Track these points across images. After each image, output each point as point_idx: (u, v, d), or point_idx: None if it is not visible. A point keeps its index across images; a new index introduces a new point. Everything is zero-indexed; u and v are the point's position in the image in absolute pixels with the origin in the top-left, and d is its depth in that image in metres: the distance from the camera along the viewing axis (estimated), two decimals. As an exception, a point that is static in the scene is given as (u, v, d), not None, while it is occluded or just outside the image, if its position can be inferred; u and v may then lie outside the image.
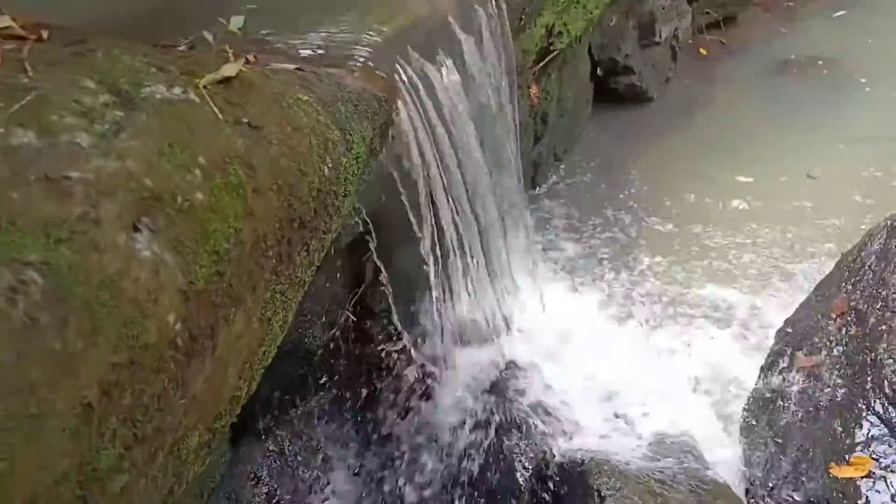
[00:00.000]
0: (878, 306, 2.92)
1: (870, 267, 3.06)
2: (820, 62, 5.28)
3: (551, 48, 3.88)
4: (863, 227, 3.39)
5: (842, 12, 5.96)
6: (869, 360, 2.77)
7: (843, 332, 2.99)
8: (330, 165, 1.60)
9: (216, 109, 1.24)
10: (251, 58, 1.74)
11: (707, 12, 5.66)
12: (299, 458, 2.86)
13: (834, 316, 3.05)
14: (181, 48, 1.84)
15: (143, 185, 1.01)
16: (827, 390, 2.87)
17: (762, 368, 3.14)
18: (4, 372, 0.78)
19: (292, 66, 1.86)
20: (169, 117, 1.13)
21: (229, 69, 1.39)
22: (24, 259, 0.83)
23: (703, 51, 5.67)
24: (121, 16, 2.23)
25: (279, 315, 1.45)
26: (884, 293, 2.93)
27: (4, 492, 0.79)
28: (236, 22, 1.55)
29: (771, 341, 3.14)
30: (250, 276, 1.27)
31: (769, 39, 5.74)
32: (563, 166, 4.52)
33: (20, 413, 0.79)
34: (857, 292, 3.02)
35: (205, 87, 1.27)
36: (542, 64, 3.90)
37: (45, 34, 1.33)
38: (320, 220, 1.58)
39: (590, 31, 4.43)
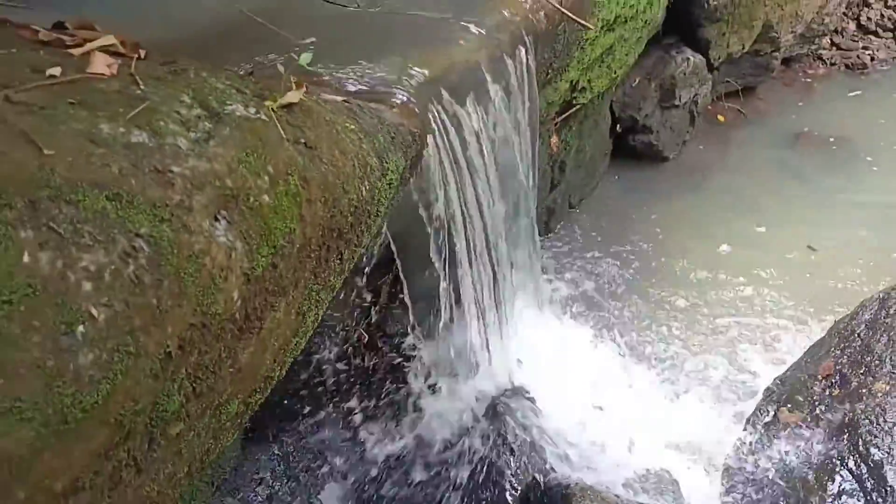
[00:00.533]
0: (861, 371, 3.11)
1: (859, 335, 3.24)
2: (831, 138, 5.50)
3: (574, 102, 4.12)
4: (855, 297, 3.58)
5: (857, 92, 6.18)
6: (847, 419, 2.94)
7: (827, 392, 3.17)
8: (367, 187, 1.83)
9: (281, 129, 1.47)
10: (306, 86, 1.98)
11: (727, 81, 5.90)
12: (302, 464, 3.04)
13: (820, 377, 3.23)
14: (242, 72, 2.09)
15: (224, 184, 1.25)
16: (805, 445, 3.05)
17: (748, 420, 3.31)
18: (116, 316, 1.00)
19: (340, 98, 2.10)
20: (247, 131, 1.37)
21: (293, 96, 1.63)
22: (136, 231, 1.06)
23: (720, 117, 5.90)
24: (189, 41, 2.49)
25: (312, 312, 1.67)
26: (868, 360, 3.11)
27: (103, 409, 1.00)
28: (305, 58, 1.80)
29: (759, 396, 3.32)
30: (295, 273, 1.49)
31: (785, 112, 5.96)
32: (576, 214, 4.74)
33: (123, 348, 1.01)
34: (845, 357, 3.20)
35: (273, 109, 1.51)
36: (564, 116, 4.14)
37: (143, 53, 1.57)
38: (354, 233, 1.81)
39: (612, 90, 4.69)
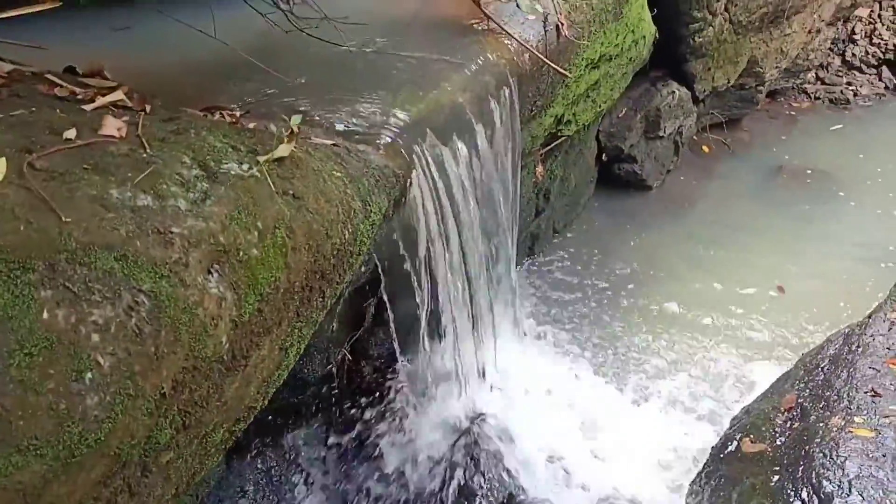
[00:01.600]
0: (820, 405, 3.25)
1: (822, 369, 3.39)
2: (809, 171, 5.67)
3: (559, 134, 4.27)
4: (822, 333, 3.75)
5: (839, 126, 6.36)
6: (803, 451, 3.09)
7: (788, 424, 3.32)
8: (350, 230, 1.99)
9: (271, 183, 1.64)
10: (296, 128, 2.13)
11: (713, 113, 6.07)
12: (283, 479, 3.17)
13: (783, 409, 3.38)
14: (237, 112, 2.25)
15: (218, 241, 1.41)
16: (764, 475, 3.19)
17: (713, 448, 3.45)
18: (119, 363, 1.16)
19: (330, 142, 2.26)
20: (240, 189, 1.53)
21: (283, 150, 1.79)
22: (139, 287, 1.22)
23: (705, 148, 6.07)
24: (189, 79, 2.65)
25: (294, 347, 1.83)
26: (828, 394, 3.26)
27: (104, 444, 1.16)
28: (296, 120, 1.96)
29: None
30: (279, 313, 1.65)
31: (768, 144, 6.14)
32: (560, 240, 4.91)
33: (124, 391, 1.17)
34: (807, 391, 3.35)
35: (265, 164, 1.67)
36: (548, 147, 4.29)
37: (148, 107, 1.74)
38: (336, 273, 1.97)
39: (598, 121, 4.86)
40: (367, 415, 3.32)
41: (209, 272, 1.37)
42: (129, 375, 1.18)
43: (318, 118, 2.53)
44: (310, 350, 2.94)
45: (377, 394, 3.37)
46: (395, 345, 2.98)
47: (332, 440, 3.30)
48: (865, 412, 2.85)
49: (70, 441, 1.10)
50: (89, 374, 1.13)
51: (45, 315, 1.11)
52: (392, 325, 2.97)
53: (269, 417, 3.11)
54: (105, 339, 1.16)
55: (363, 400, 3.34)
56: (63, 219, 1.21)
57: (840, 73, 6.79)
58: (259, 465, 3.13)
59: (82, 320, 1.15)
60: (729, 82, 5.69)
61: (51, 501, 1.09)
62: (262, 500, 3.09)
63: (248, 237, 1.48)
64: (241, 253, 1.46)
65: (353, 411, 3.33)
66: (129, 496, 1.31)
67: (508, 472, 3.01)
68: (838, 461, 2.94)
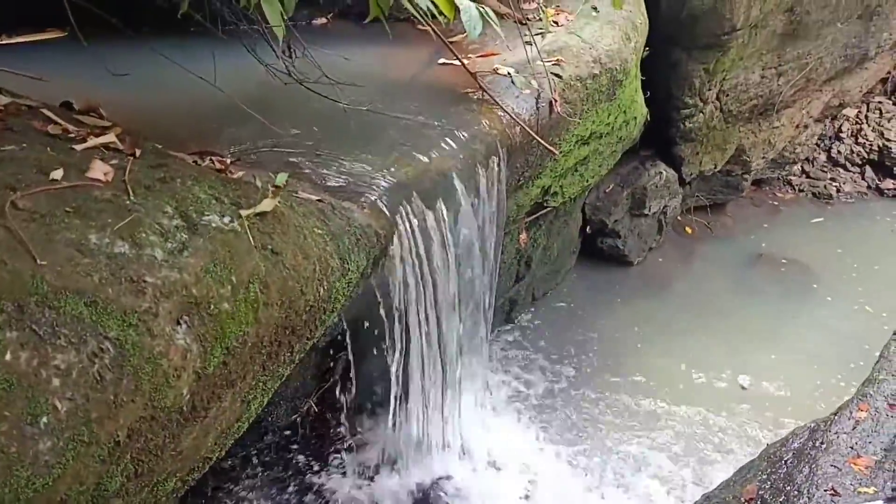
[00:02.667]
0: (780, 499, 3.25)
1: (785, 462, 3.40)
2: (788, 261, 5.74)
3: (545, 204, 4.34)
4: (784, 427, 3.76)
5: (819, 219, 6.47)
6: (760, 544, 3.08)
7: (747, 515, 3.32)
8: (325, 287, 2.02)
9: (251, 238, 1.66)
10: (282, 185, 2.17)
11: (698, 196, 6.18)
12: (234, 527, 3.13)
13: (743, 500, 3.37)
14: (228, 159, 2.28)
15: (190, 293, 1.43)
16: (719, 565, 3.17)
17: (672, 533, 3.45)
18: (76, 408, 1.17)
19: (315, 198, 2.30)
20: (218, 243, 1.56)
21: (266, 205, 1.82)
22: (105, 334, 1.24)
23: (688, 229, 6.16)
24: (184, 124, 2.69)
25: (257, 400, 1.83)
26: (788, 489, 3.26)
27: (52, 490, 1.16)
28: (281, 178, 1.99)
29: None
30: (244, 367, 1.66)
31: (750, 231, 6.23)
32: (538, 307, 4.94)
33: (78, 437, 1.18)
34: (769, 483, 3.35)
35: (247, 218, 1.70)
36: (534, 216, 4.35)
37: (138, 152, 1.77)
38: (307, 329, 1.98)
39: (584, 194, 4.93)
40: (329, 468, 3.30)
41: (178, 323, 1.39)
42: (85, 422, 1.19)
43: (307, 171, 2.57)
44: (276, 399, 2.94)
45: (340, 447, 3.36)
46: (356, 397, 2.98)
47: (290, 490, 3.26)
48: (823, 511, 2.85)
49: (17, 485, 1.10)
50: (45, 419, 1.14)
51: (8, 356, 1.12)
52: (353, 382, 2.98)
53: (228, 464, 3.09)
54: (65, 384, 1.17)
55: (326, 452, 3.32)
56: (38, 261, 1.23)
57: (825, 169, 6.94)
58: (212, 511, 3.09)
59: (44, 363, 1.16)
60: (716, 167, 5.81)
61: (-9, 544, 1.09)
62: (211, 547, 3.04)
63: (221, 290, 1.51)
64: (212, 306, 1.48)
65: (314, 463, 3.31)
66: (72, 542, 1.30)
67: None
68: (792, 557, 2.94)
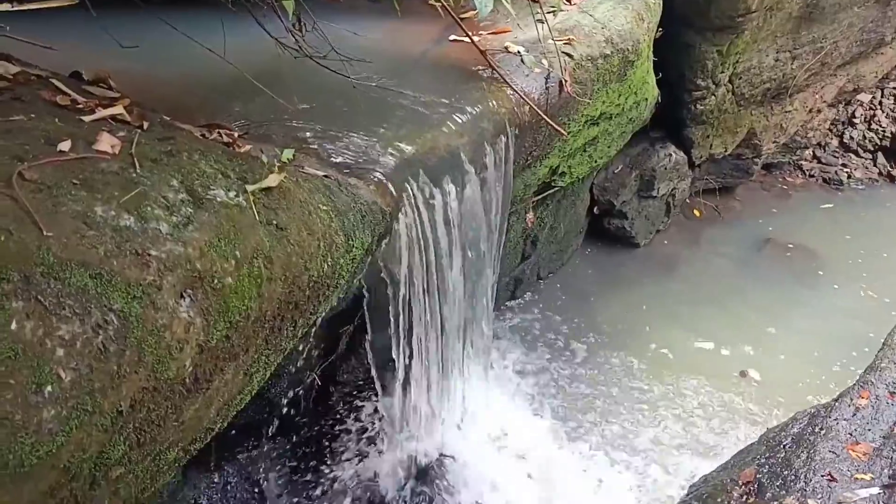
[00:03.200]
0: (777, 483, 3.28)
1: (784, 447, 3.42)
2: (795, 247, 5.74)
3: (553, 184, 4.33)
4: (784, 412, 3.77)
5: (829, 205, 6.45)
6: (754, 527, 3.11)
7: (744, 499, 3.34)
8: (329, 263, 2.03)
9: (256, 213, 1.67)
10: (287, 161, 2.18)
11: (707, 179, 6.16)
12: (239, 496, 3.17)
13: (741, 482, 3.40)
14: (236, 132, 2.29)
15: (194, 266, 1.44)
16: (714, 546, 3.20)
17: (669, 514, 3.47)
18: (80, 378, 1.19)
19: (321, 174, 2.30)
20: (223, 217, 1.57)
21: (272, 180, 1.83)
22: (110, 306, 1.26)
23: (696, 212, 6.15)
24: (194, 96, 2.69)
25: (260, 373, 1.85)
26: (785, 473, 3.29)
27: (55, 457, 1.18)
28: (287, 154, 2.00)
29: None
30: (247, 341, 1.68)
31: (759, 215, 6.21)
32: (543, 286, 4.95)
33: (81, 407, 1.20)
34: (767, 466, 3.38)
35: (253, 193, 1.71)
36: (541, 196, 4.35)
37: (145, 124, 1.78)
38: (311, 305, 2.00)
39: (593, 175, 4.92)
40: (331, 440, 3.34)
41: (182, 296, 1.41)
42: (88, 391, 1.21)
43: (314, 147, 2.58)
44: (279, 372, 2.96)
45: (342, 421, 3.39)
46: (372, 368, 3.00)
47: (292, 462, 3.30)
48: (820, 496, 2.87)
49: (21, 451, 1.13)
50: (49, 388, 1.16)
51: (14, 325, 1.14)
52: (371, 354, 3.00)
53: (232, 433, 3.12)
54: (69, 354, 1.19)
55: (328, 426, 3.36)
56: (44, 233, 1.25)
57: (836, 155, 6.90)
58: (216, 480, 3.13)
59: (49, 334, 1.18)
60: (726, 151, 5.78)
61: (-5, 508, 1.12)
62: (214, 514, 3.08)
63: (225, 265, 1.52)
64: (216, 280, 1.49)
65: (316, 436, 3.35)
66: (74, 508, 1.33)
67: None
68: (788, 542, 2.97)
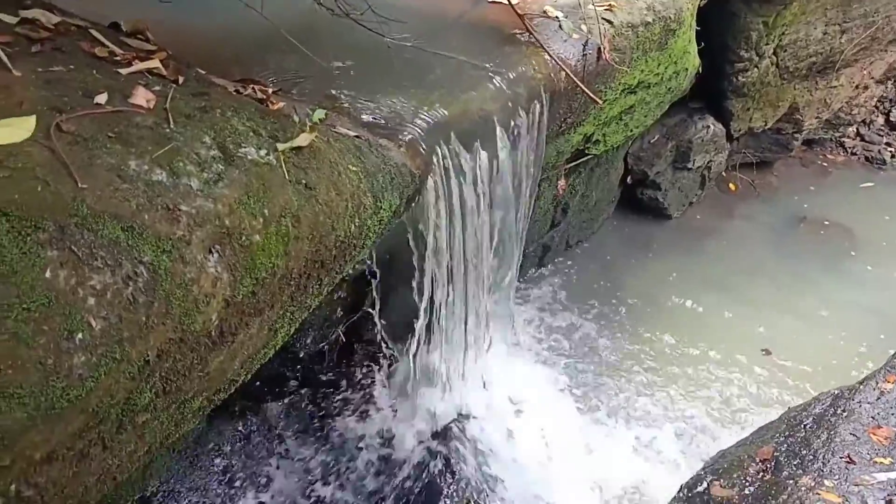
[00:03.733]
0: (795, 462, 3.28)
1: (804, 426, 3.42)
2: (831, 226, 5.64)
3: (586, 152, 4.30)
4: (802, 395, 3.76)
5: (869, 184, 6.30)
6: (768, 505, 3.12)
7: (760, 475, 3.35)
8: (357, 224, 2.05)
9: (285, 172, 1.70)
10: (320, 119, 2.19)
11: (745, 152, 6.06)
12: (261, 444, 3.26)
13: (758, 459, 3.41)
14: (270, 89, 2.31)
15: (223, 223, 1.47)
16: (727, 520, 3.23)
17: (682, 486, 3.49)
18: (109, 327, 1.24)
19: (353, 134, 2.32)
20: (253, 175, 1.60)
21: (302, 140, 1.85)
22: (140, 258, 1.30)
23: (732, 186, 6.06)
24: (229, 51, 2.71)
25: (284, 328, 1.90)
26: (804, 453, 3.29)
27: (85, 401, 1.23)
28: (318, 114, 2.01)
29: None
30: (272, 297, 1.72)
31: (795, 193, 6.10)
32: (571, 255, 4.94)
33: (110, 354, 1.25)
34: (785, 445, 3.38)
35: (283, 152, 1.73)
36: (574, 163, 4.32)
37: (181, 79, 1.80)
38: (337, 263, 2.03)
39: (627, 144, 4.87)
40: (353, 396, 3.40)
41: (210, 252, 1.44)
42: (117, 340, 1.26)
43: (346, 106, 2.58)
44: (304, 327, 3.02)
45: (365, 378, 3.45)
46: (382, 330, 3.05)
47: (313, 414, 3.37)
48: (837, 477, 2.87)
49: (52, 394, 1.18)
50: (80, 335, 1.20)
51: (48, 274, 1.18)
52: (377, 318, 3.04)
53: (257, 383, 3.19)
54: (100, 304, 1.23)
55: (351, 381, 3.42)
56: (79, 184, 1.28)
57: (881, 133, 6.74)
58: (240, 428, 3.22)
59: (82, 283, 1.22)
60: (766, 125, 5.67)
61: (26, 446, 1.17)
62: (237, 461, 3.17)
63: (253, 223, 1.55)
64: (244, 237, 1.52)
65: (339, 390, 3.41)
66: (102, 449, 1.38)
67: (477, 475, 3.07)
68: (799, 520, 2.98)
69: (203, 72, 2.07)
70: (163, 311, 1.33)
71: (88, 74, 1.60)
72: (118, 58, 1.75)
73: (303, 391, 3.30)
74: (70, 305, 1.20)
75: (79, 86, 1.52)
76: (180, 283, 1.37)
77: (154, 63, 1.76)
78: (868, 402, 3.19)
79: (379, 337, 3.35)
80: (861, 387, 3.21)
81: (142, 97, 1.56)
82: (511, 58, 3.10)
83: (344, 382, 3.37)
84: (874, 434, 3.03)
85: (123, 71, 1.70)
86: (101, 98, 1.50)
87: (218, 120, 1.65)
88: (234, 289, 1.50)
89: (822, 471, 3.19)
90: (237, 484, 3.07)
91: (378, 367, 3.39)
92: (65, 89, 1.49)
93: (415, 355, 3.09)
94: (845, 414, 3.18)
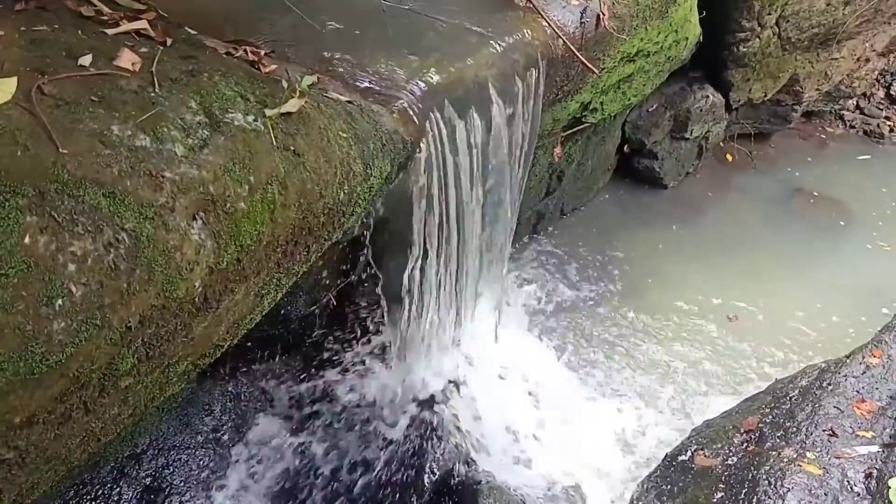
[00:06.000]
0: (779, 434, 3.31)
1: (790, 398, 3.44)
2: (827, 199, 5.63)
3: (583, 120, 4.27)
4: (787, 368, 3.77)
5: (867, 157, 6.28)
6: (751, 475, 3.17)
7: (744, 446, 3.39)
8: (346, 191, 2.04)
9: (273, 138, 1.68)
10: (312, 82, 2.17)
11: (743, 123, 6.02)
12: (250, 404, 3.28)
13: (742, 430, 3.44)
14: (262, 51, 2.28)
15: (207, 190, 1.46)
16: (710, 489, 3.27)
17: (667, 456, 3.54)
18: (90, 293, 1.23)
19: (345, 99, 2.29)
20: (239, 142, 1.58)
21: (292, 105, 1.83)
22: (122, 225, 1.29)
23: (729, 157, 6.03)
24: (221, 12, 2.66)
25: (271, 295, 1.90)
26: (788, 425, 3.32)
27: (65, 366, 1.24)
28: (307, 80, 1.99)
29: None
30: (258, 264, 1.72)
31: (792, 164, 6.07)
32: (566, 222, 4.94)
33: (91, 321, 1.24)
34: (770, 417, 3.41)
35: (271, 118, 1.71)
36: (571, 131, 4.29)
37: (169, 40, 1.77)
38: (325, 231, 2.02)
39: (625, 112, 4.84)
40: (343, 359, 3.42)
41: (194, 219, 1.43)
42: (98, 307, 1.26)
43: (339, 70, 2.55)
44: (296, 290, 3.02)
45: (355, 342, 3.46)
46: (381, 295, 3.06)
47: (303, 377, 3.39)
48: (819, 449, 2.90)
49: (31, 360, 1.18)
50: (60, 301, 1.20)
51: (27, 240, 1.17)
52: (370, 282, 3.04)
53: (248, 344, 3.20)
54: (81, 270, 1.23)
55: (341, 345, 3.43)
56: (60, 149, 1.27)
57: (881, 106, 6.70)
58: (230, 389, 3.23)
59: (62, 249, 1.21)
60: (766, 96, 5.63)
61: (6, 411, 1.17)
62: (226, 421, 3.20)
63: (238, 190, 1.54)
64: (229, 205, 1.52)
65: (329, 354, 3.43)
66: (84, 413, 1.39)
67: (462, 441, 3.10)
68: (780, 492, 3.01)
69: (193, 32, 2.04)
70: (145, 277, 1.33)
71: (73, 35, 1.57)
72: (105, 17, 1.72)
73: (293, 353, 3.32)
74: (50, 272, 1.19)
75: (63, 46, 1.50)
76: (163, 250, 1.36)
77: (142, 24, 1.74)
78: (853, 376, 3.21)
79: (370, 301, 3.36)
80: (848, 361, 3.23)
81: (127, 60, 1.54)
82: (508, 23, 3.06)
83: (335, 343, 3.38)
84: (858, 408, 3.06)
85: (110, 31, 1.68)
86: (86, 60, 1.48)
87: (205, 84, 1.63)
88: (218, 256, 1.50)
89: (805, 443, 3.23)
90: (225, 442, 3.10)
91: (368, 330, 3.40)
92: (48, 50, 1.46)
93: (406, 320, 3.09)
94: (830, 387, 3.21)
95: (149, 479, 2.89)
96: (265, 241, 1.66)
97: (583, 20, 3.21)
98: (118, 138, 1.37)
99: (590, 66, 3.02)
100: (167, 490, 2.95)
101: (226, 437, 3.16)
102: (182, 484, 3.01)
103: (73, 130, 1.33)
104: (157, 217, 1.36)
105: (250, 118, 1.66)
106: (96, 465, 2.49)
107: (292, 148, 1.77)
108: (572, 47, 2.97)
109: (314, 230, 1.92)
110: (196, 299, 1.49)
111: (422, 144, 2.58)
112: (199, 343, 1.65)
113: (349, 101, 2.30)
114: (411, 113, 2.53)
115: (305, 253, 1.95)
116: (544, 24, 3.13)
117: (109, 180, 1.31)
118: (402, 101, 2.52)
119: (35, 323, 1.17)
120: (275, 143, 1.69)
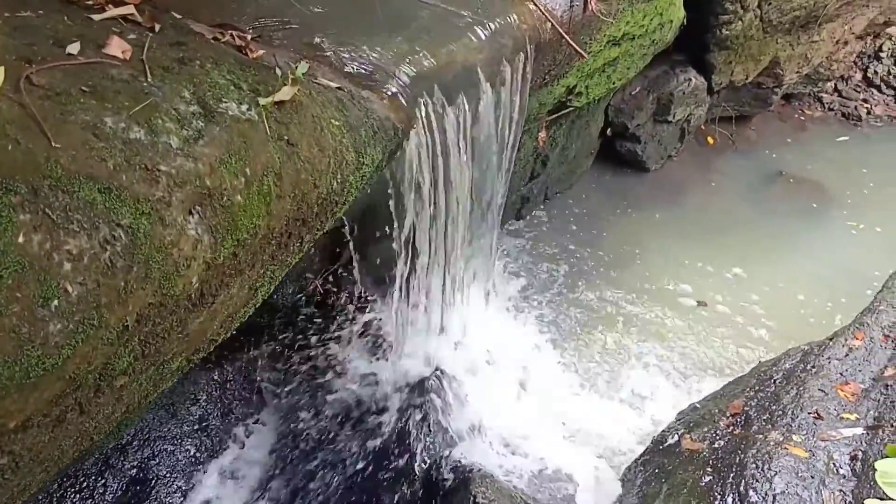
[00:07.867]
0: (764, 417, 3.34)
1: (774, 381, 3.47)
2: (807, 181, 5.67)
3: (568, 104, 4.25)
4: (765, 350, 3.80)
5: (845, 138, 6.33)
6: (738, 458, 3.19)
7: (730, 429, 3.41)
8: (339, 180, 2.00)
9: (267, 128, 1.64)
10: (305, 70, 2.11)
11: (724, 106, 6.03)
12: (237, 393, 3.25)
13: (728, 413, 3.46)
14: (249, 35, 2.22)
15: (203, 183, 1.42)
16: (697, 473, 3.30)
17: (654, 440, 3.56)
18: (87, 293, 1.19)
19: (335, 85, 2.24)
20: (234, 132, 1.54)
21: (285, 93, 1.78)
22: (118, 221, 1.24)
23: (710, 139, 6.05)
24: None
25: (265, 287, 1.86)
26: (773, 408, 3.34)
27: (61, 369, 1.19)
28: (301, 68, 1.93)
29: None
30: (254, 256, 1.68)
31: (773, 146, 6.11)
32: (549, 206, 4.93)
33: (88, 321, 1.20)
34: (755, 400, 3.43)
35: (265, 107, 1.66)
36: (555, 115, 4.27)
37: (157, 26, 1.71)
38: (319, 221, 1.98)
39: (609, 96, 4.82)
40: (330, 347, 3.39)
41: (190, 213, 1.39)
42: (94, 306, 1.21)
43: (328, 55, 2.49)
44: (283, 280, 2.98)
45: (343, 329, 3.43)
46: (359, 282, 3.03)
47: (290, 364, 3.36)
48: (805, 432, 2.93)
49: (27, 364, 1.13)
50: (56, 302, 1.16)
51: (21, 239, 1.12)
52: (357, 270, 3.01)
53: (234, 333, 3.16)
54: (76, 269, 1.19)
55: (328, 333, 3.40)
56: (53, 143, 1.22)
57: (858, 89, 6.74)
58: (216, 377, 3.20)
59: (57, 248, 1.17)
60: (747, 79, 5.64)
61: (1, 416, 1.13)
62: (212, 410, 3.16)
63: (235, 182, 1.50)
64: (226, 198, 1.47)
65: (316, 341, 3.39)
66: (79, 414, 1.35)
67: (452, 428, 3.09)
68: (768, 474, 3.04)
69: (179, 16, 1.98)
70: (142, 275, 1.28)
71: (59, 21, 1.51)
72: (90, 2, 1.66)
73: (280, 340, 3.28)
74: (45, 271, 1.15)
75: (49, 33, 1.44)
76: (160, 246, 1.32)
77: (129, 9, 1.67)
78: (837, 359, 3.24)
79: (357, 288, 3.33)
80: (830, 343, 3.26)
81: (117, 47, 1.48)
82: (496, 7, 3.02)
83: (321, 331, 3.35)
84: (842, 390, 3.09)
85: (96, 17, 1.61)
86: (74, 48, 1.42)
87: (197, 72, 1.58)
88: (214, 251, 1.46)
89: (791, 426, 3.26)
90: (212, 432, 3.07)
91: (355, 318, 3.37)
92: (34, 37, 1.40)
93: (394, 306, 3.07)
94: (814, 370, 3.23)
95: (134, 471, 2.85)
96: (261, 234, 1.62)
97: (571, 3, 3.18)
98: (112, 131, 1.32)
99: (580, 50, 2.99)
100: (153, 481, 2.92)
101: (212, 426, 3.13)
102: (168, 474, 2.98)
103: (65, 123, 1.28)
104: (153, 212, 1.31)
105: (244, 107, 1.62)
106: (81, 458, 2.45)
107: (286, 138, 1.72)
108: (562, 31, 2.93)
109: (308, 221, 1.88)
110: (192, 295, 1.45)
111: (412, 130, 2.54)
112: (193, 339, 1.61)
113: (339, 88, 2.25)
114: (401, 99, 2.49)
115: (299, 244, 1.91)
116: (532, 7, 3.09)
117: (104, 175, 1.26)
118: (392, 87, 2.48)
119: (30, 325, 1.13)
120: (269, 134, 1.65)
